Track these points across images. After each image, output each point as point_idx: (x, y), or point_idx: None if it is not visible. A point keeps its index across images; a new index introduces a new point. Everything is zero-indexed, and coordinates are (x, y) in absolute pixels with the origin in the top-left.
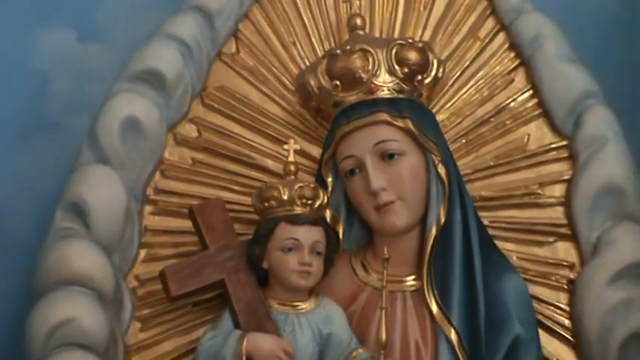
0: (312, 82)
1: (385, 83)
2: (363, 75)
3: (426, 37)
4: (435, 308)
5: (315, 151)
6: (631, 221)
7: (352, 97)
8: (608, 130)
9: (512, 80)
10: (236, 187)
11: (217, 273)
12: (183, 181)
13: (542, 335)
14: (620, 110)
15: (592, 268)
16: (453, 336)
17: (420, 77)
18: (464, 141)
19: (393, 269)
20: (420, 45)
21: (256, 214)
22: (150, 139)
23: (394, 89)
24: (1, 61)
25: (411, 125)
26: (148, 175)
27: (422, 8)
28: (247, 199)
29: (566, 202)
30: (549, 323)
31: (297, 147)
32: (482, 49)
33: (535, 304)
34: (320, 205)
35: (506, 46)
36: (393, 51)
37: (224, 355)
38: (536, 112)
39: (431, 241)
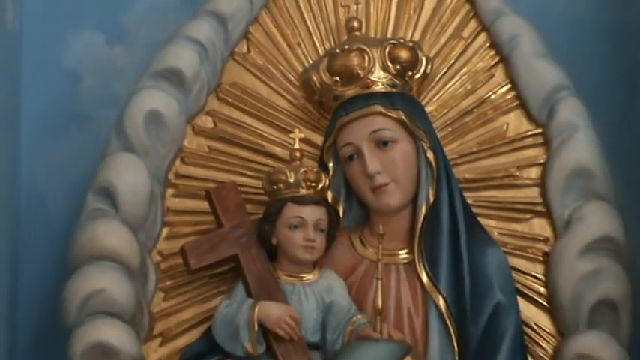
0: (315, 78)
1: (380, 79)
2: (360, 71)
3: (416, 37)
4: (425, 278)
5: (318, 139)
6: (599, 200)
7: (350, 91)
8: (578, 119)
9: (493, 75)
10: (248, 172)
11: (231, 248)
12: (201, 167)
13: (521, 302)
14: (589, 101)
15: (564, 242)
16: (442, 303)
17: (410, 73)
18: (450, 129)
19: (388, 244)
20: (410, 44)
21: (266, 195)
22: (171, 130)
23: (388, 84)
24: (38, 62)
25: (403, 116)
26: (170, 161)
27: (412, 11)
28: (258, 183)
29: (541, 184)
30: (527, 291)
31: (302, 136)
32: (466, 48)
33: (514, 274)
34: (322, 187)
35: (487, 45)
36: (387, 50)
37: (238, 321)
38: (514, 104)
39: (421, 219)
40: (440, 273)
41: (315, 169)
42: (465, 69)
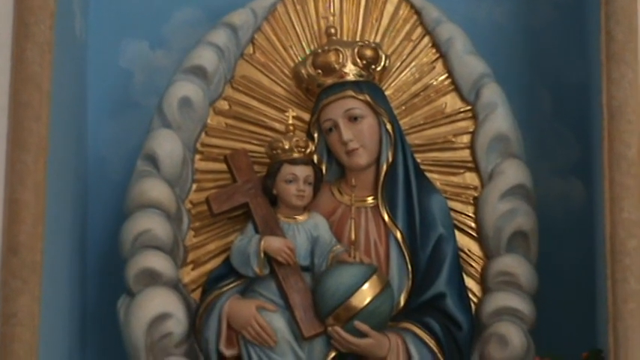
0: (303, 71)
1: (351, 71)
2: (336, 66)
3: (377, 39)
4: (386, 217)
5: (306, 116)
6: (513, 158)
7: (329, 81)
8: (498, 99)
9: (434, 67)
10: (254, 142)
11: (243, 198)
12: (220, 138)
13: (457, 234)
14: (505, 85)
15: (489, 189)
16: (399, 236)
17: (374, 67)
18: (403, 108)
19: (358, 193)
20: (373, 45)
21: (268, 158)
22: (197, 111)
23: (357, 75)
24: (99, 63)
25: (368, 98)
26: (197, 134)
27: (374, 20)
28: (262, 149)
29: (471, 147)
30: (461, 226)
31: (294, 114)
32: (414, 47)
33: (452, 213)
34: (310, 151)
35: (430, 45)
36: (356, 50)
37: (249, 251)
38: (450, 88)
39: (383, 174)
40: (397, 213)
41: (304, 138)
42: (413, 63)
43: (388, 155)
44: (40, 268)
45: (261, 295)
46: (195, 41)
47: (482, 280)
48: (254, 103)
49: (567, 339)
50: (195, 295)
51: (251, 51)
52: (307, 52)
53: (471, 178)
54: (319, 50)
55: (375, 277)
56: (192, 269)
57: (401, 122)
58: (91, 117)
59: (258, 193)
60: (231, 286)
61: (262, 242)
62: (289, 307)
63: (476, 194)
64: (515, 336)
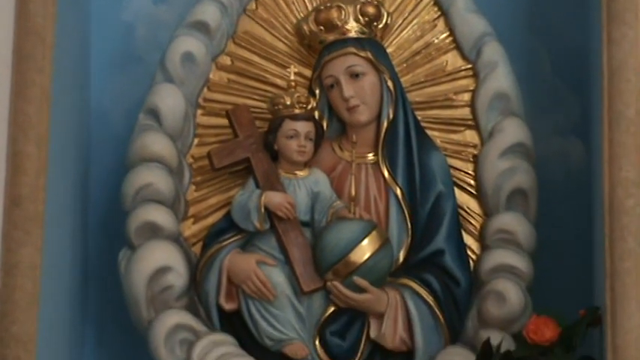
0: (306, 28)
1: (353, 28)
2: (338, 22)
3: None
4: (386, 174)
5: (308, 72)
6: (513, 116)
7: (331, 37)
8: (498, 57)
9: (436, 25)
10: (256, 97)
11: (244, 152)
12: (222, 94)
13: (456, 191)
14: (506, 44)
15: (488, 147)
16: (399, 192)
17: (375, 24)
18: (404, 65)
19: (359, 149)
20: (375, 2)
21: (269, 114)
22: (200, 66)
23: (359, 32)
24: (102, 17)
25: (370, 55)
26: (199, 89)
27: None
28: (263, 105)
29: (472, 105)
30: (461, 183)
31: (296, 70)
32: (416, 5)
33: (452, 171)
34: (311, 107)
35: (431, 3)
36: (358, 7)
37: (249, 206)
38: (452, 46)
39: (384, 130)
40: (397, 170)
41: (305, 94)
42: (415, 21)
43: (389, 112)
44: (42, 220)
45: (261, 249)
46: None
47: (481, 238)
48: (256, 58)
49: (565, 297)
50: (196, 249)
51: (254, 7)
52: (309, 8)
53: (471, 135)
54: (321, 7)
55: (374, 233)
56: (193, 223)
57: (402, 80)
58: (94, 70)
59: (260, 149)
60: (232, 240)
61: (263, 197)
62: (289, 262)
63: (475, 152)
64: (512, 293)
